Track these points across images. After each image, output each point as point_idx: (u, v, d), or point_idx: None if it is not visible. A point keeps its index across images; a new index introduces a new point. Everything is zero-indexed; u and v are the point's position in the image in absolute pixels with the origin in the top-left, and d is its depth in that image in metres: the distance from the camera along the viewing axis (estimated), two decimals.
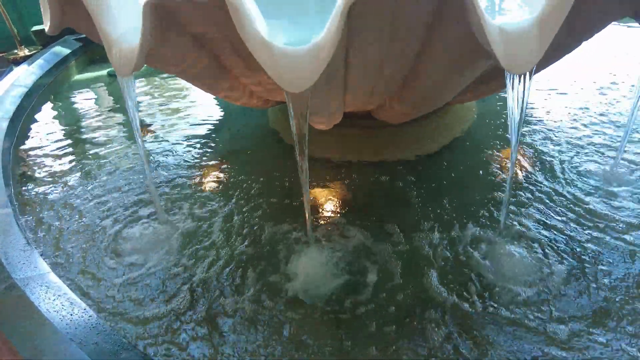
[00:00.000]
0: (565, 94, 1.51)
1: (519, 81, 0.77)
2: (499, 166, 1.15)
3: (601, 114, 1.36)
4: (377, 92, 0.91)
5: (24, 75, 1.93)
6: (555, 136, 1.26)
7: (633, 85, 1.48)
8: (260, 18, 0.68)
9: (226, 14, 0.65)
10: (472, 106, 1.40)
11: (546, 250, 0.88)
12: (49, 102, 1.81)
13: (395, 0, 0.62)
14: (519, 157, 1.17)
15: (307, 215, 0.86)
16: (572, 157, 1.16)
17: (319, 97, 0.85)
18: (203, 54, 0.84)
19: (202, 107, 1.64)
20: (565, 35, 0.83)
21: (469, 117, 1.35)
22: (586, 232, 0.92)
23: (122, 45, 0.78)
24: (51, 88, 1.92)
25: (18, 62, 2.26)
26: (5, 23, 2.33)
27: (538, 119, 1.36)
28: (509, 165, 1.11)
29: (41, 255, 0.93)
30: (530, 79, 0.76)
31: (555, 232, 0.92)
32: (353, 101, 0.96)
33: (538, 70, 0.86)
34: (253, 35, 0.64)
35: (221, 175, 1.21)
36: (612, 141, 1.22)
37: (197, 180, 1.20)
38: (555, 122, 1.34)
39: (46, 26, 1.03)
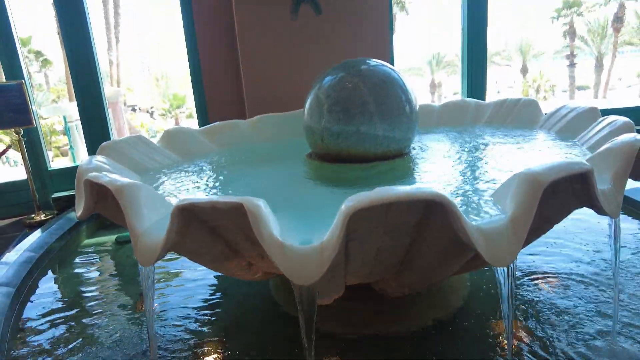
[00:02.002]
0: (550, 256, 1.59)
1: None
2: (498, 340, 1.15)
3: (588, 277, 1.42)
4: (374, 274, 0.99)
5: (36, 242, 2.03)
6: (547, 306, 1.30)
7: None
8: (273, 219, 0.79)
9: (244, 215, 0.76)
10: (466, 276, 1.47)
11: None
12: (56, 269, 1.86)
13: (386, 212, 0.73)
14: (517, 335, 1.19)
15: None
16: (567, 331, 1.18)
17: (321, 282, 0.91)
18: (218, 242, 0.94)
19: (199, 276, 1.68)
20: (537, 223, 0.95)
21: (464, 287, 1.41)
22: None
23: (147, 239, 0.87)
24: (60, 254, 2.00)
25: (33, 226, 2.40)
26: (29, 190, 2.55)
27: (528, 289, 1.41)
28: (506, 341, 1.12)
29: None
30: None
31: None
32: (353, 280, 1.03)
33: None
34: (267, 236, 0.74)
35: (224, 353, 1.19)
36: (604, 305, 1.26)
37: (199, 357, 1.17)
38: (545, 289, 1.39)
39: (78, 213, 1.16)
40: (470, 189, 1.06)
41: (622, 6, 22.67)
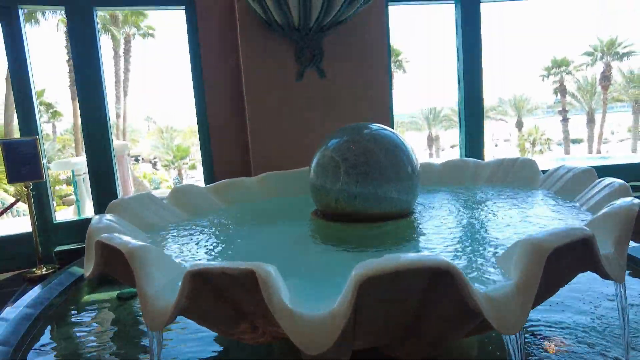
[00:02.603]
0: (551, 311, 1.56)
1: None
2: None
3: (593, 335, 1.39)
4: (382, 338, 0.98)
5: (35, 297, 2.00)
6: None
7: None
8: (283, 286, 0.80)
9: (255, 281, 0.78)
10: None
11: None
12: (55, 327, 1.82)
13: (395, 278, 0.75)
14: None
15: None
16: None
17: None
18: (227, 307, 0.94)
19: (200, 333, 1.64)
20: (543, 288, 0.96)
21: (471, 347, 1.38)
22: None
23: (157, 302, 0.88)
24: (60, 310, 1.96)
25: (33, 280, 2.37)
26: (32, 243, 2.55)
27: (533, 347, 1.38)
28: None
29: None
30: None
31: None
32: (360, 345, 1.02)
33: None
34: (277, 303, 0.75)
35: None
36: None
37: None
38: (550, 348, 1.36)
39: (86, 273, 1.17)
40: (474, 252, 1.08)
41: (608, 65, 23.80)
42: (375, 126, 1.48)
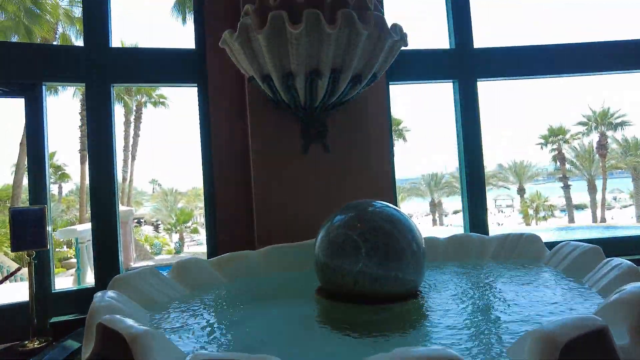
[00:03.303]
0: None
1: None
2: None
3: None
4: None
5: None
6: None
7: None
8: None
9: None
10: None
11: None
12: None
13: None
14: None
15: None
16: None
17: None
18: None
19: None
20: None
21: None
22: None
23: None
24: None
25: (25, 354, 2.28)
26: (27, 313, 2.47)
27: None
28: None
29: None
30: None
31: None
32: None
33: None
34: None
35: None
36: None
37: None
38: None
39: (84, 356, 1.13)
40: (485, 341, 1.05)
41: (603, 135, 24.43)
42: (379, 203, 1.51)
